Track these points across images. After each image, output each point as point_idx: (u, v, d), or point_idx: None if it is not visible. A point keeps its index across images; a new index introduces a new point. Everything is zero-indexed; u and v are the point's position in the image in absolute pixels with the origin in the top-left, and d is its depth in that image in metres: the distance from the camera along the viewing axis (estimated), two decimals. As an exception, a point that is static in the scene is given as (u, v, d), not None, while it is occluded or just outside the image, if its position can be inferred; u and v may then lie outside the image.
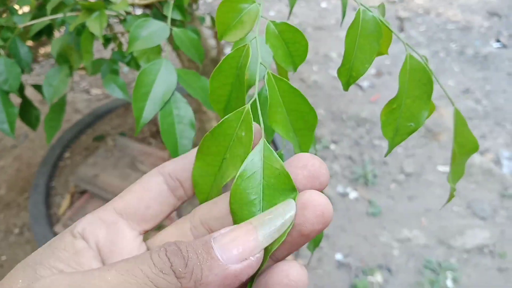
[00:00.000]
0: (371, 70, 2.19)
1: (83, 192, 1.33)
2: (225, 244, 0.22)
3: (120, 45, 0.73)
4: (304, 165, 0.24)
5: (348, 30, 0.31)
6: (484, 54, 2.29)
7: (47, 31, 0.75)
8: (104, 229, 0.26)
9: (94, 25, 0.52)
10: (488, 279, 1.36)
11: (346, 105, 2.00)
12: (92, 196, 1.29)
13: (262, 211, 0.24)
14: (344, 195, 1.59)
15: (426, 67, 0.30)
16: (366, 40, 0.31)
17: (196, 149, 0.27)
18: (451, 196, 0.36)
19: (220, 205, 0.26)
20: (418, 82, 0.31)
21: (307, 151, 0.29)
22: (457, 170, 0.35)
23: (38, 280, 0.22)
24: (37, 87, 0.81)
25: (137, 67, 0.67)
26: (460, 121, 0.33)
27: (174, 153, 0.43)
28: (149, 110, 0.43)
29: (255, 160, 0.24)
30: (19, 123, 0.73)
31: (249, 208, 0.24)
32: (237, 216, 0.24)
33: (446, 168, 1.70)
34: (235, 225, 0.23)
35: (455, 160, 0.34)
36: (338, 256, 1.41)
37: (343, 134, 1.86)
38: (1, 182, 1.67)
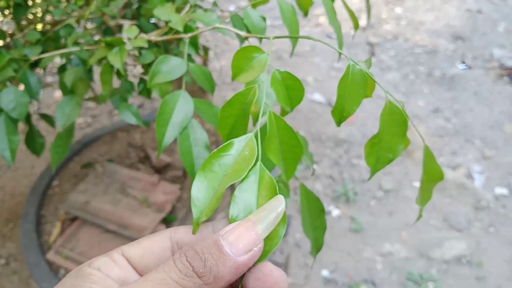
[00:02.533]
0: (346, 93, 2.28)
1: (73, 219, 1.35)
2: (232, 241, 0.27)
3: (126, 75, 0.78)
4: (269, 274, 0.29)
5: (340, 80, 0.38)
6: (451, 75, 2.43)
7: (61, 68, 0.79)
8: (117, 268, 0.30)
9: (115, 59, 0.58)
10: (467, 287, 1.42)
11: (324, 127, 2.08)
12: (83, 222, 1.31)
13: (257, 208, 0.30)
14: (327, 213, 1.65)
15: (402, 111, 0.37)
16: (355, 88, 0.38)
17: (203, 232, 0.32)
18: (420, 216, 0.44)
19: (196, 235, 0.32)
20: (396, 123, 0.37)
21: (290, 177, 0.36)
22: (425, 195, 0.43)
23: None
24: (44, 116, 0.85)
25: (149, 96, 0.72)
26: (428, 154, 0.40)
27: (191, 172, 0.49)
28: (170, 135, 0.49)
29: (251, 174, 0.31)
30: None
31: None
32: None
33: (422, 184, 1.77)
34: (237, 223, 0.29)
35: (423, 186, 0.42)
36: (325, 273, 1.45)
37: (323, 155, 1.93)
38: (-14, 214, 1.66)
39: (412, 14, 3.00)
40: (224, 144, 0.32)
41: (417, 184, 1.77)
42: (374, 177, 1.86)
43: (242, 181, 0.30)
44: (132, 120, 0.69)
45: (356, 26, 0.70)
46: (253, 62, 0.39)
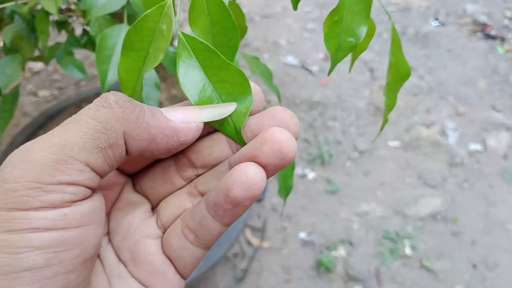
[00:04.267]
0: (320, 55, 2.24)
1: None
2: (169, 110, 0.25)
3: (72, 30, 0.72)
4: (273, 116, 0.26)
5: None
6: (424, 33, 2.40)
7: None
8: None
9: (50, 4, 0.52)
10: (443, 243, 1.44)
11: (298, 90, 2.04)
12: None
13: (212, 86, 0.26)
14: (303, 176, 1.63)
15: None
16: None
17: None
18: (383, 126, 0.38)
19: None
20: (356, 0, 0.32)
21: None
22: (391, 96, 0.37)
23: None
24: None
25: (93, 48, 0.66)
26: (396, 40, 0.35)
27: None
28: (114, 72, 0.45)
29: (182, 50, 0.25)
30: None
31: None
32: None
33: (396, 143, 1.77)
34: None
35: (389, 85, 0.37)
36: (302, 235, 1.44)
37: (298, 118, 1.89)
38: None
39: (385, -29, 2.93)
40: (137, 21, 0.27)
41: (392, 143, 1.77)
42: (349, 138, 1.85)
43: (180, 67, 0.26)
44: (78, 74, 0.64)
45: None
46: None
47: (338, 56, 0.35)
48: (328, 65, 2.18)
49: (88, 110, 0.22)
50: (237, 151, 0.27)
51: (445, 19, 2.52)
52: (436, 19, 2.52)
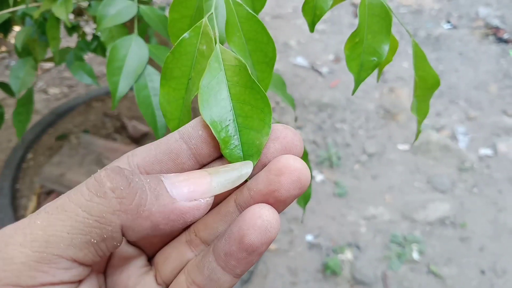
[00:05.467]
0: (330, 56, 2.23)
1: (49, 193, 1.30)
2: (176, 182, 0.21)
3: (83, 34, 0.73)
4: (276, 137, 0.23)
5: None
6: (436, 36, 2.38)
7: (4, 27, 0.73)
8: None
9: (60, 11, 0.52)
10: (451, 248, 1.43)
11: (308, 92, 2.03)
12: (59, 195, 1.27)
13: (232, 104, 0.23)
14: (311, 178, 1.63)
15: (383, 2, 0.31)
16: None
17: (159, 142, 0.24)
18: (418, 132, 0.37)
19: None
20: (377, 17, 0.31)
21: (266, 89, 0.28)
22: (423, 106, 0.36)
23: None
24: (1, 85, 0.79)
25: (103, 53, 0.67)
26: (419, 54, 0.34)
27: (153, 124, 0.45)
28: (124, 84, 0.44)
29: (213, 62, 0.23)
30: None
31: (218, 103, 0.23)
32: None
33: (406, 147, 1.76)
34: (191, 171, 0.22)
35: (418, 96, 0.36)
36: (309, 237, 1.44)
37: (306, 120, 1.89)
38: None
39: (397, -27, 2.92)
40: (174, 47, 0.25)
41: (401, 147, 1.76)
42: (358, 141, 1.84)
43: (204, 76, 0.23)
44: (87, 80, 0.64)
45: None
46: None
47: (361, 76, 0.34)
48: (338, 66, 2.17)
49: (79, 197, 0.19)
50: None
51: (457, 22, 2.50)
52: (448, 21, 2.50)
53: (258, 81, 0.27)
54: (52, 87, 2.03)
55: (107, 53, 0.44)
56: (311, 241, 1.43)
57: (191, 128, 0.23)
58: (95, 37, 0.69)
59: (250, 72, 0.23)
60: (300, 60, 2.20)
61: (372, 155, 1.73)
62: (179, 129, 0.23)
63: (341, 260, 1.38)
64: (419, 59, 0.34)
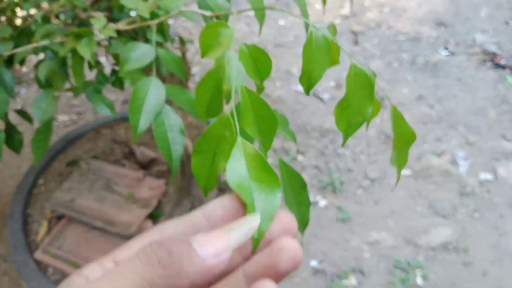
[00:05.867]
0: (331, 83, 2.28)
1: (60, 217, 1.33)
2: (202, 243, 0.27)
3: (102, 68, 0.77)
4: (279, 219, 0.30)
5: (304, 47, 0.39)
6: (434, 62, 2.44)
7: (22, 59, 0.77)
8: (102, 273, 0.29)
9: (85, 50, 0.57)
10: (454, 273, 1.44)
11: (309, 117, 2.07)
12: (70, 220, 1.29)
13: (251, 181, 0.31)
14: (315, 203, 1.65)
15: (366, 73, 0.38)
16: (319, 54, 0.39)
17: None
18: (398, 179, 0.44)
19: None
20: (362, 85, 0.38)
21: (268, 149, 0.37)
22: (401, 158, 0.43)
23: None
24: (20, 112, 0.84)
25: (121, 87, 0.71)
26: (396, 115, 0.41)
27: (169, 157, 0.50)
28: (144, 121, 0.50)
29: (236, 151, 0.32)
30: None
31: (244, 184, 0.32)
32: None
33: (407, 172, 1.79)
34: (211, 231, 0.28)
35: (397, 149, 0.42)
36: (313, 263, 1.46)
37: (309, 145, 1.93)
38: (-31, 215, 1.64)
39: (394, 1, 3.00)
40: (205, 131, 0.34)
41: (403, 172, 1.78)
42: (360, 166, 1.87)
43: (230, 160, 0.32)
44: (106, 111, 0.69)
45: (324, 1, 0.72)
46: (220, 37, 0.40)
47: (349, 132, 0.42)
48: (339, 93, 2.22)
49: (134, 266, 0.25)
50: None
51: (455, 49, 2.56)
52: (446, 48, 2.56)
53: (263, 144, 0.37)
54: (61, 114, 2.08)
55: (130, 90, 0.48)
56: (316, 267, 1.45)
57: (212, 208, 0.31)
58: (114, 71, 0.74)
59: (264, 158, 0.32)
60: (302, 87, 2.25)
61: (374, 180, 1.76)
62: (202, 208, 0.31)
63: (346, 286, 1.39)
64: (397, 118, 0.41)
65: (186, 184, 1.40)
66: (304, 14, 0.67)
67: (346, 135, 0.42)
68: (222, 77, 0.37)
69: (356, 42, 2.62)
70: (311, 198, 1.67)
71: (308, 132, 2.01)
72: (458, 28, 2.73)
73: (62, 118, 2.03)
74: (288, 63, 2.43)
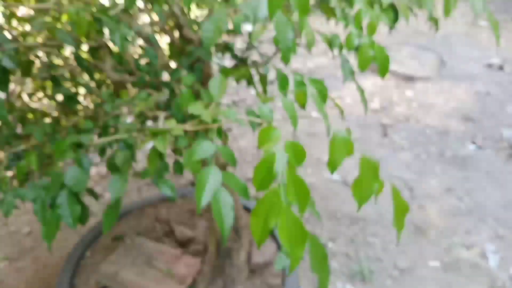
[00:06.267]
0: (361, 172, 2.39)
1: (104, 288, 1.43)
2: None
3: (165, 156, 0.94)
4: None
5: (330, 143, 0.66)
6: (462, 156, 2.52)
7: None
8: None
9: (160, 145, 0.73)
10: None
11: (340, 205, 2.16)
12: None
13: None
14: (343, 290, 1.68)
15: (373, 161, 0.62)
16: (340, 148, 0.66)
17: None
18: (398, 238, 0.66)
19: None
20: (370, 170, 0.63)
21: (304, 210, 0.59)
22: (399, 224, 0.65)
23: None
24: (89, 191, 0.98)
25: (181, 172, 0.86)
26: (395, 191, 0.64)
27: (222, 227, 0.66)
28: (205, 199, 0.66)
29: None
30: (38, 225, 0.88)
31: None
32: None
33: (436, 263, 1.81)
34: None
35: (396, 217, 0.65)
36: None
37: (339, 232, 1.99)
38: (20, 283, 1.75)
39: (422, 96, 3.17)
40: (260, 199, 0.52)
41: (432, 263, 1.81)
42: (389, 255, 1.91)
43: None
44: (169, 192, 0.83)
45: (366, 109, 1.00)
46: (271, 136, 0.64)
47: (362, 201, 0.64)
48: (368, 182, 2.31)
49: None
50: None
51: (483, 143, 2.65)
52: (473, 142, 2.65)
53: (300, 208, 0.57)
54: (107, 192, 2.25)
55: (196, 181, 0.63)
56: None
57: None
58: (177, 161, 0.89)
59: (300, 219, 0.52)
60: (333, 175, 2.36)
61: (403, 271, 1.78)
62: None
63: None
64: (395, 194, 0.62)
65: (220, 264, 1.49)
66: (326, 121, 0.85)
67: (360, 204, 0.63)
68: (273, 162, 0.57)
69: (385, 134, 2.75)
70: (341, 286, 1.71)
71: (338, 219, 2.08)
72: (485, 123, 2.84)
73: (108, 196, 2.20)
74: (320, 151, 2.57)
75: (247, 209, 1.72)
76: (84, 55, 1.14)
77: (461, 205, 2.15)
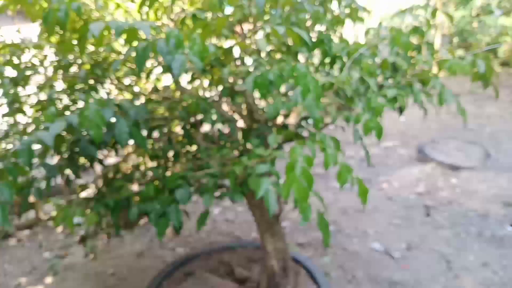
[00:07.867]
0: (402, 245, 2.66)
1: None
2: None
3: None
4: None
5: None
6: (500, 236, 2.72)
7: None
8: None
9: (237, 169, 1.17)
10: None
11: (381, 271, 2.43)
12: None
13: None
14: (377, 337, 1.93)
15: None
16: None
17: None
18: None
19: None
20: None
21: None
22: (363, 199, 1.05)
23: None
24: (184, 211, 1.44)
25: (244, 194, 1.30)
26: (361, 186, 1.05)
27: (269, 209, 1.06)
28: (261, 192, 1.07)
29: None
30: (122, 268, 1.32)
31: None
32: None
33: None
34: None
35: (361, 195, 1.00)
36: None
37: (377, 291, 2.26)
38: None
39: (466, 184, 3.43)
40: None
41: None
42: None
43: None
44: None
45: (369, 163, 1.34)
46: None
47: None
48: (409, 253, 2.57)
49: None
50: None
51: (522, 227, 2.83)
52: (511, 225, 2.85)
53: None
54: (178, 247, 2.70)
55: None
56: None
57: None
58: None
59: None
60: (376, 245, 2.66)
61: (433, 326, 2.00)
62: None
63: None
64: (361, 185, 0.99)
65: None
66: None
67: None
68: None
69: (427, 214, 3.03)
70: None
71: (378, 283, 2.35)
72: (527, 210, 3.03)
73: (178, 250, 2.64)
74: (365, 225, 2.89)
75: (296, 261, 2.08)
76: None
77: (495, 277, 2.34)
